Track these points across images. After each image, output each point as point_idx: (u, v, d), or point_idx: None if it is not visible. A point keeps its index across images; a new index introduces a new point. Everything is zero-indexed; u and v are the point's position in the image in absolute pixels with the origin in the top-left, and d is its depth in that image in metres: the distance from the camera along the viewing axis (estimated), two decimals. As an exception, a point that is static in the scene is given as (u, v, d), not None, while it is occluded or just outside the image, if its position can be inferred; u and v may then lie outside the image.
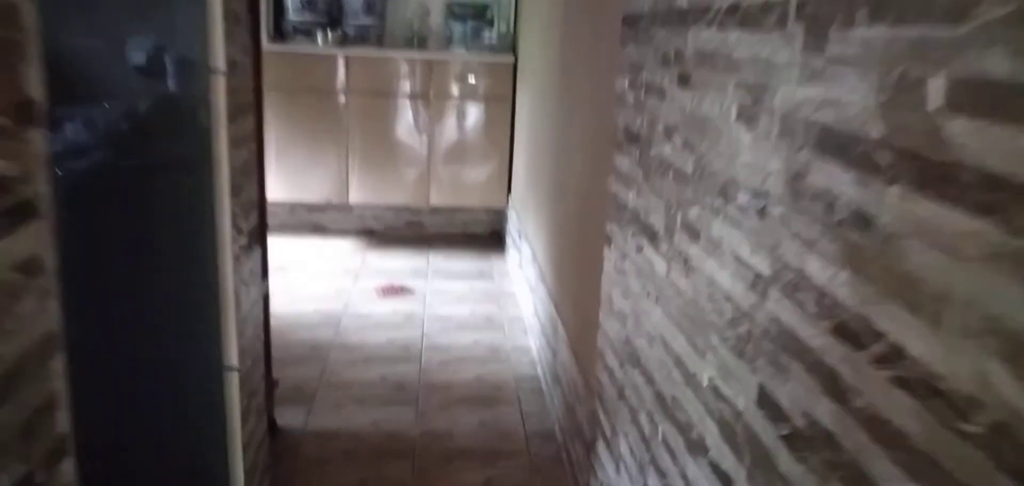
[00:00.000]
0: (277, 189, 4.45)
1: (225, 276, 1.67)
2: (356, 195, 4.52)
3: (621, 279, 1.70)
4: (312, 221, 4.91)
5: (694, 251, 1.24)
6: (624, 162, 1.70)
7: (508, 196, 4.57)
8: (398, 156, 4.50)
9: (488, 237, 4.98)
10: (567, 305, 2.53)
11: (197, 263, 1.65)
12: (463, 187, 4.58)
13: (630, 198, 1.64)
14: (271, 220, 4.87)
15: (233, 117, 1.66)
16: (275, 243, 4.60)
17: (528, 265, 3.51)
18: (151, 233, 1.67)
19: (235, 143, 1.67)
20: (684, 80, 1.32)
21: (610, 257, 1.81)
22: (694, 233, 1.24)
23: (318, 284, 3.93)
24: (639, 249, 1.55)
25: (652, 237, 1.47)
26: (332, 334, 3.27)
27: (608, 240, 1.83)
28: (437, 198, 4.59)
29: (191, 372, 1.70)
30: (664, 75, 1.43)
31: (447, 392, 2.81)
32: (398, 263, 4.34)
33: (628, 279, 1.64)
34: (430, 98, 4.43)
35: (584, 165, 2.35)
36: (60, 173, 1.74)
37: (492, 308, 3.70)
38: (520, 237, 3.90)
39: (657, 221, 1.44)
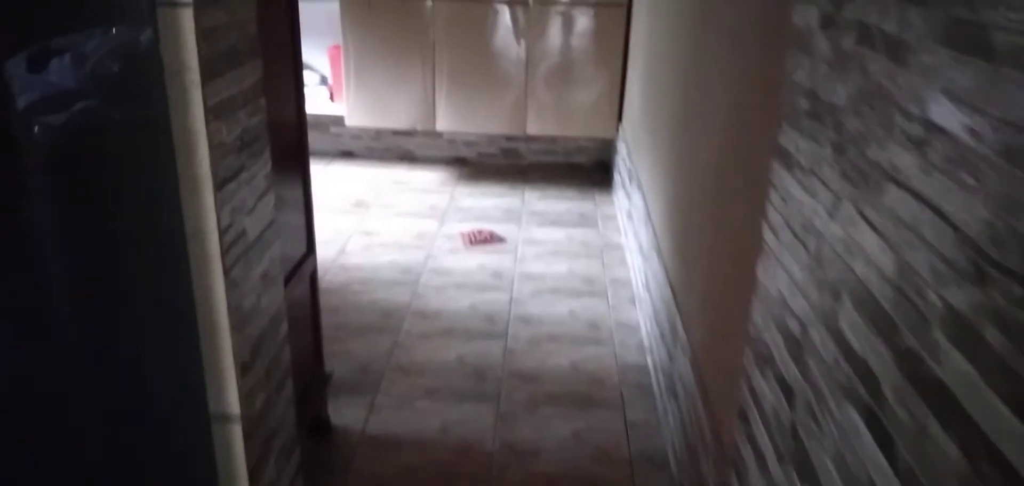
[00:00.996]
0: (358, 114, 3.99)
1: (210, 297, 1.20)
2: (444, 121, 3.98)
3: (785, 324, 1.09)
4: (399, 147, 4.46)
5: (963, 388, 0.63)
6: (801, 145, 1.07)
7: (619, 125, 3.90)
8: (492, 75, 3.89)
9: (593, 168, 4.36)
10: (691, 306, 1.92)
11: (174, 279, 1.19)
12: (566, 112, 3.92)
13: (810, 206, 1.01)
14: (354, 145, 4.46)
15: (216, 72, 1.15)
16: (358, 173, 4.20)
17: (640, 223, 2.89)
18: (118, 229, 1.21)
19: (219, 112, 1.16)
20: (971, 37, 0.67)
21: (768, 280, 1.20)
22: (971, 347, 0.63)
23: (399, 227, 3.48)
24: (836, 299, 0.94)
25: (858, 295, 0.86)
26: (408, 296, 2.83)
27: (766, 251, 1.22)
28: (535, 126, 3.96)
29: (173, 425, 1.26)
30: (905, 18, 0.78)
31: (535, 385, 2.31)
32: (489, 201, 3.82)
33: (800, 332, 1.03)
34: (529, 3, 3.77)
35: (726, 118, 1.69)
36: (37, 130, 1.32)
37: (594, 266, 3.13)
38: (631, 181, 3.26)
39: (872, 277, 0.82)
